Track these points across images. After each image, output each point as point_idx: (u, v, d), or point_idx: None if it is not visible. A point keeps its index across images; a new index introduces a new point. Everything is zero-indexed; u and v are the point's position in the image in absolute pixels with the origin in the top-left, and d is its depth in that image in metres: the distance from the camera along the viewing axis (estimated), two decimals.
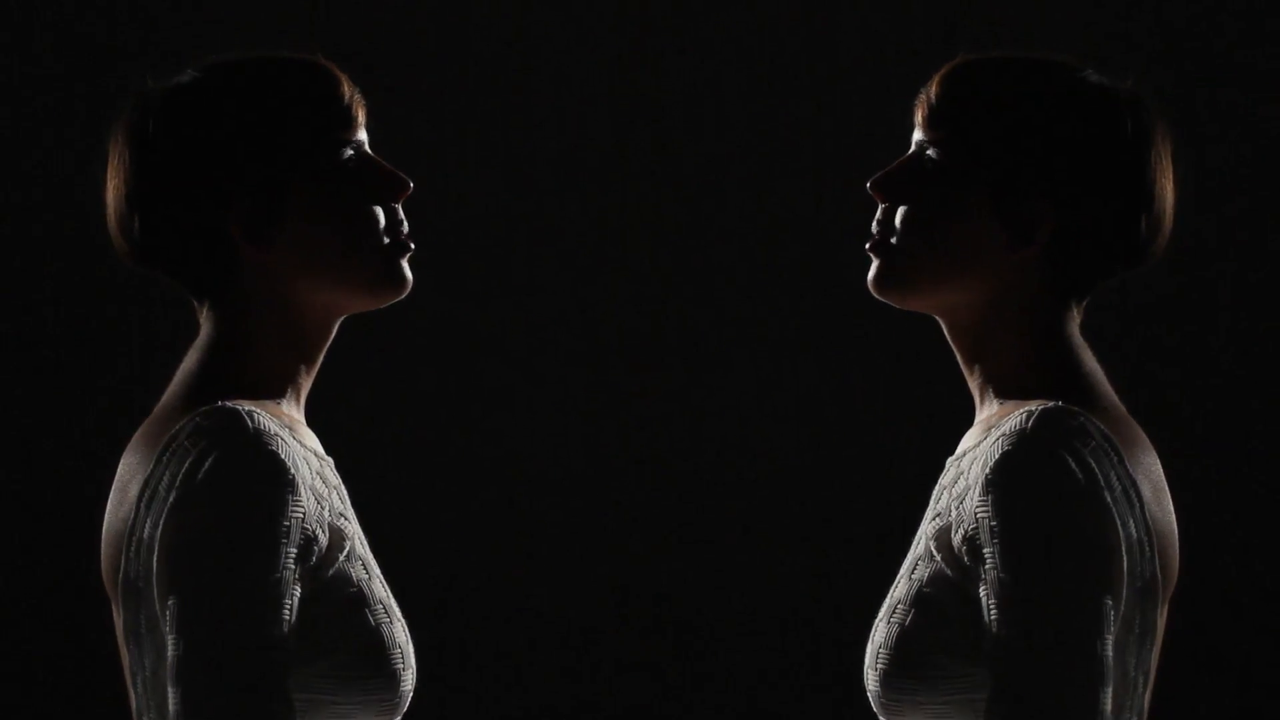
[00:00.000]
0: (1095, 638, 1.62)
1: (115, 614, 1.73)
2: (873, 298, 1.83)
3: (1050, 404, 1.69)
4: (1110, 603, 1.63)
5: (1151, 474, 1.74)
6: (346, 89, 1.76)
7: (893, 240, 1.78)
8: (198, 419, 1.67)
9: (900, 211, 1.79)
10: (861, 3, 3.70)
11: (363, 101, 1.78)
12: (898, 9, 3.69)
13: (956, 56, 1.80)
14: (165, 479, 1.65)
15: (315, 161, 1.74)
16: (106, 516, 1.74)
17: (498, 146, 3.70)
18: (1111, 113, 1.76)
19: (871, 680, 1.73)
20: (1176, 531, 1.75)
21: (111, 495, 1.74)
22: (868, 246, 1.80)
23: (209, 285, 1.77)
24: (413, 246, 1.79)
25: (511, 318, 3.70)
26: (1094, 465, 1.66)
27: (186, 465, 1.64)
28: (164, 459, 1.66)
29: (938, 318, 1.82)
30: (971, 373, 1.81)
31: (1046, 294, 1.78)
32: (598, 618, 3.73)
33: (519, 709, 3.74)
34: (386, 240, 1.77)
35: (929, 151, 1.78)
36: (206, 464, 1.63)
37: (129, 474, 1.72)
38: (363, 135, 1.78)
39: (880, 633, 1.73)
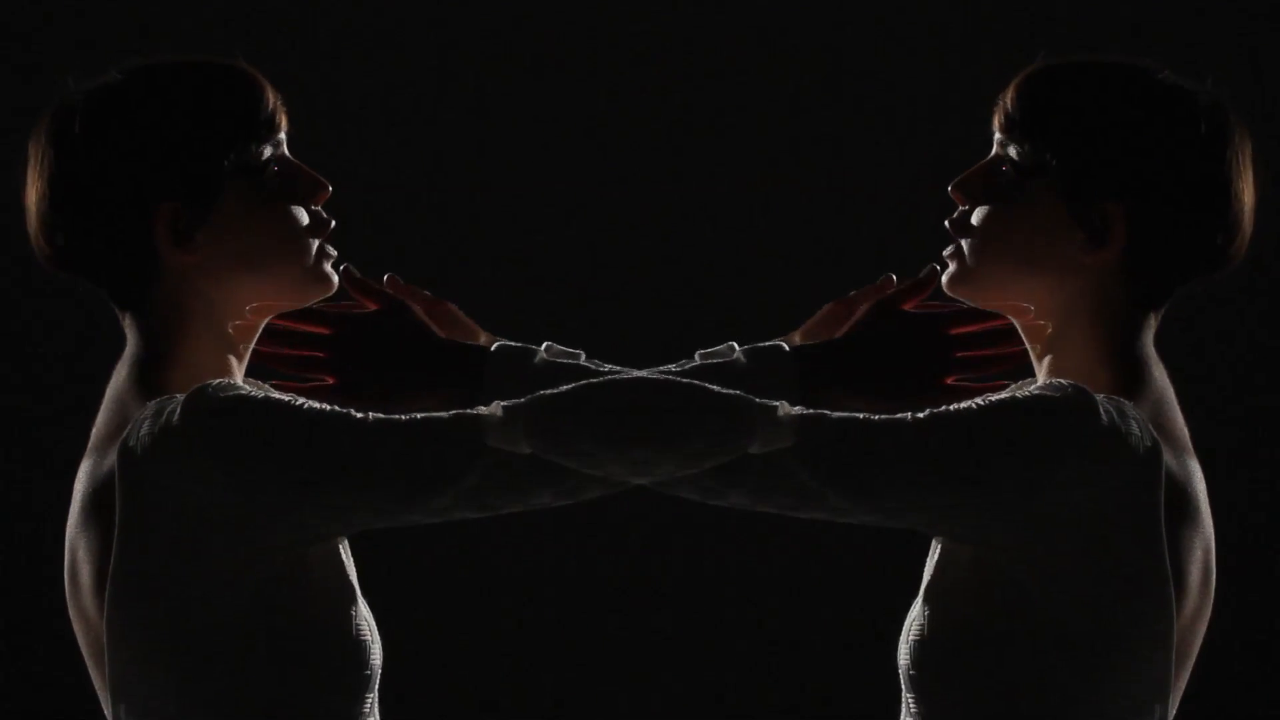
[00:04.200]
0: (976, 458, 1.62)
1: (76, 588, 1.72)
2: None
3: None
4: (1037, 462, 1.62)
5: (1191, 491, 1.73)
6: (270, 94, 1.78)
7: (965, 241, 1.81)
8: (148, 409, 1.67)
9: (977, 212, 1.81)
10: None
11: (284, 107, 1.79)
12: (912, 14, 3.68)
13: (1036, 60, 1.82)
14: (142, 429, 1.65)
15: (240, 164, 1.75)
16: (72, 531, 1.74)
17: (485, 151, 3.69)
18: (1186, 115, 1.76)
19: (903, 654, 1.73)
20: (1203, 561, 1.74)
21: (74, 517, 1.73)
22: (946, 254, 1.83)
23: (131, 291, 1.76)
24: (335, 253, 1.82)
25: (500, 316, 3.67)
26: (1124, 423, 1.65)
27: (161, 420, 1.64)
28: (128, 437, 1.65)
29: (1011, 316, 1.83)
30: (1040, 368, 1.82)
31: (1122, 301, 1.78)
32: (596, 617, 3.70)
33: (518, 708, 3.72)
34: (313, 240, 1.80)
35: (1007, 153, 1.80)
36: (175, 415, 1.63)
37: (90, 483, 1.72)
38: (284, 138, 1.80)
39: (915, 609, 1.74)
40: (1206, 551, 1.73)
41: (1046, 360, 1.79)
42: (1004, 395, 1.66)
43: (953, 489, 1.62)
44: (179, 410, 1.62)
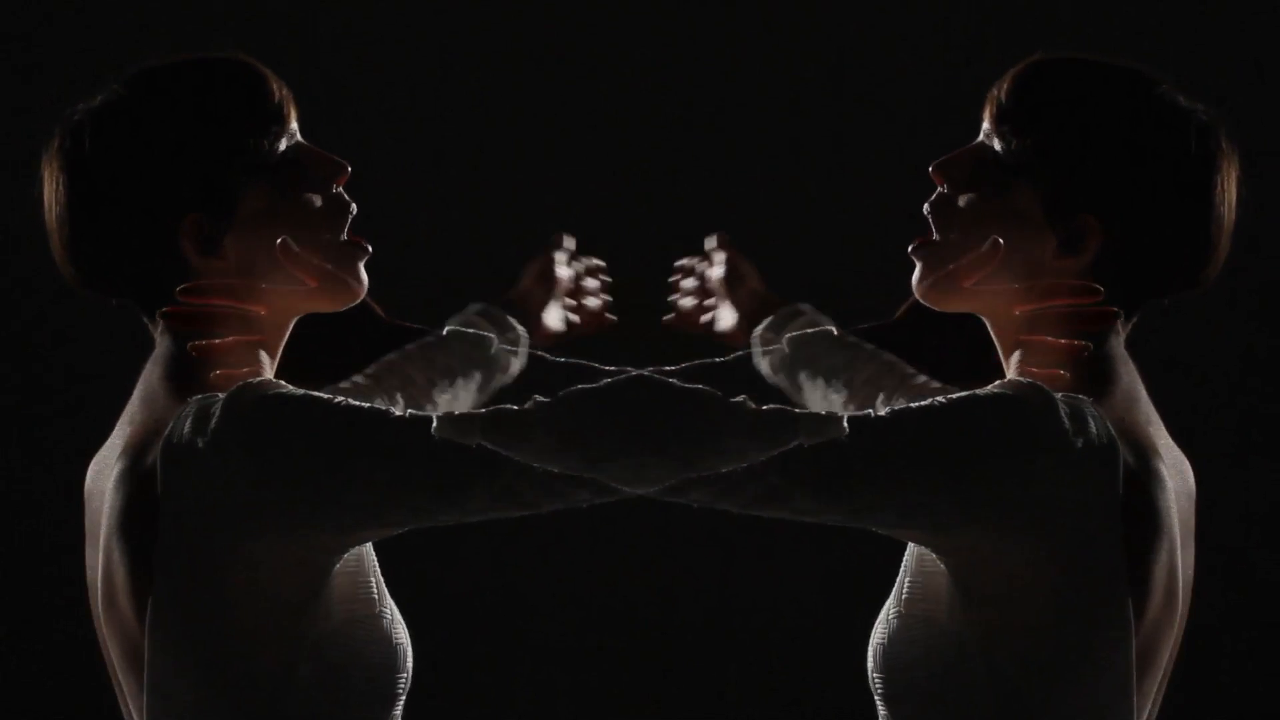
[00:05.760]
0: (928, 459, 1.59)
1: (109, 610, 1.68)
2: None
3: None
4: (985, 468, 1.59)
5: (1154, 492, 1.69)
6: (274, 84, 1.75)
7: (935, 237, 1.77)
8: (189, 408, 1.63)
9: (956, 200, 1.77)
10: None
11: (291, 95, 1.76)
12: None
13: (1035, 54, 1.78)
14: (184, 432, 1.61)
15: (255, 162, 1.72)
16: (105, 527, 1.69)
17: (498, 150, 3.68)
18: (1178, 136, 1.73)
19: (869, 659, 1.73)
20: (1167, 564, 1.69)
21: (106, 519, 1.69)
22: (910, 249, 1.79)
23: (162, 302, 1.73)
24: (369, 248, 1.78)
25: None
26: (1080, 422, 1.61)
27: (204, 419, 1.60)
28: (171, 435, 1.62)
29: (982, 316, 1.80)
30: (1009, 367, 1.78)
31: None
32: (597, 617, 3.70)
33: (517, 709, 3.72)
34: (341, 236, 1.76)
35: (993, 144, 1.77)
36: (217, 414, 1.60)
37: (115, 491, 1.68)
38: (295, 128, 1.76)
39: (881, 615, 1.73)
40: (1171, 554, 1.69)
41: (1015, 357, 1.75)
42: (964, 394, 1.63)
43: (923, 488, 1.59)
44: (220, 409, 1.60)
